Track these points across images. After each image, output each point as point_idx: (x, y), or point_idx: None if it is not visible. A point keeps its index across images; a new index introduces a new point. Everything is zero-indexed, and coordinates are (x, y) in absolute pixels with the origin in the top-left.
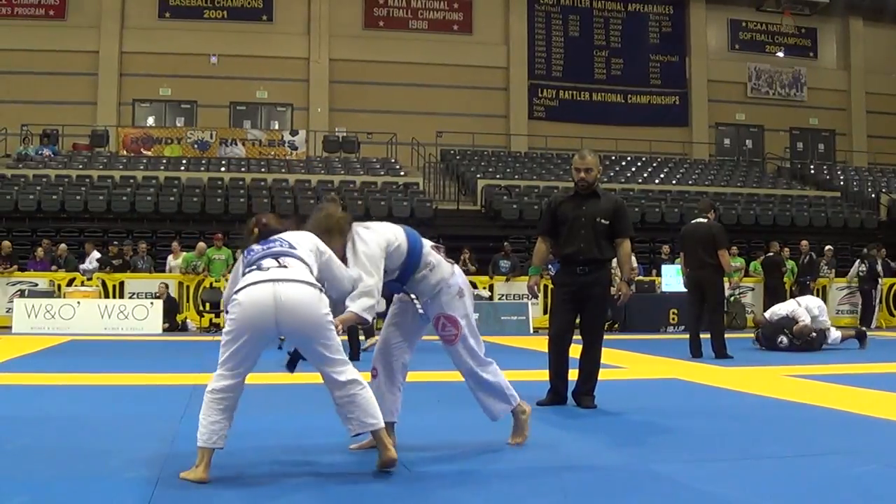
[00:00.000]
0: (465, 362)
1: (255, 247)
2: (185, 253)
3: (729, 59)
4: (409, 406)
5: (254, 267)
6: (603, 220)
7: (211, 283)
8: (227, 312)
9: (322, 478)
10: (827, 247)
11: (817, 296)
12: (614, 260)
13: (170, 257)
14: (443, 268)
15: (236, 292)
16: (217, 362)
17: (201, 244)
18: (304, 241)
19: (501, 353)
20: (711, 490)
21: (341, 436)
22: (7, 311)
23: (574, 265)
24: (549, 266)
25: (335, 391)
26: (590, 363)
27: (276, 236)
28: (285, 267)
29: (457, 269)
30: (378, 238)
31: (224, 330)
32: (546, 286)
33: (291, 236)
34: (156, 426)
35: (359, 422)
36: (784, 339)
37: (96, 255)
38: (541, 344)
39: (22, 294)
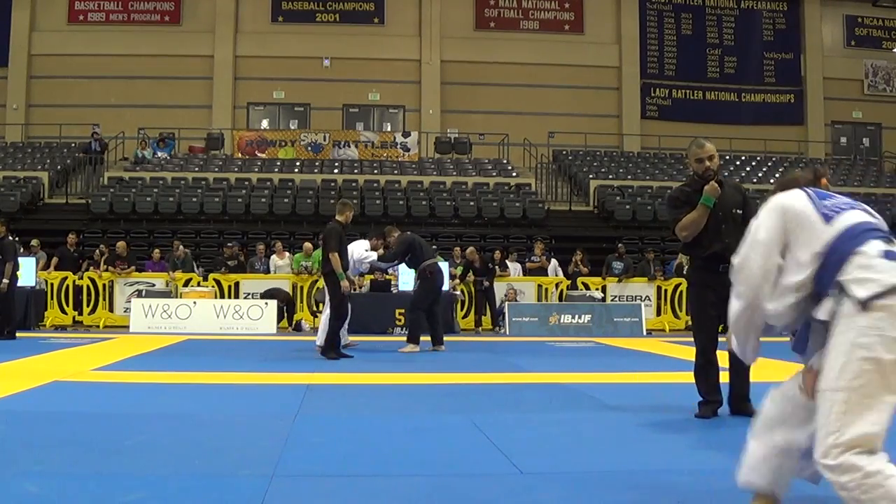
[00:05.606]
0: None
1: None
2: (294, 255)
3: (845, 56)
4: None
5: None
6: (738, 210)
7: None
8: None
9: (446, 478)
10: None
11: None
12: None
13: (274, 257)
14: None
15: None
16: None
17: (307, 244)
18: None
19: (615, 356)
20: None
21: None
22: (125, 311)
23: (719, 263)
24: (665, 267)
25: None
26: (746, 367)
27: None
28: None
29: None
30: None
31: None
32: (671, 287)
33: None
34: (270, 425)
35: None
36: None
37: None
38: (653, 346)
39: (139, 294)
